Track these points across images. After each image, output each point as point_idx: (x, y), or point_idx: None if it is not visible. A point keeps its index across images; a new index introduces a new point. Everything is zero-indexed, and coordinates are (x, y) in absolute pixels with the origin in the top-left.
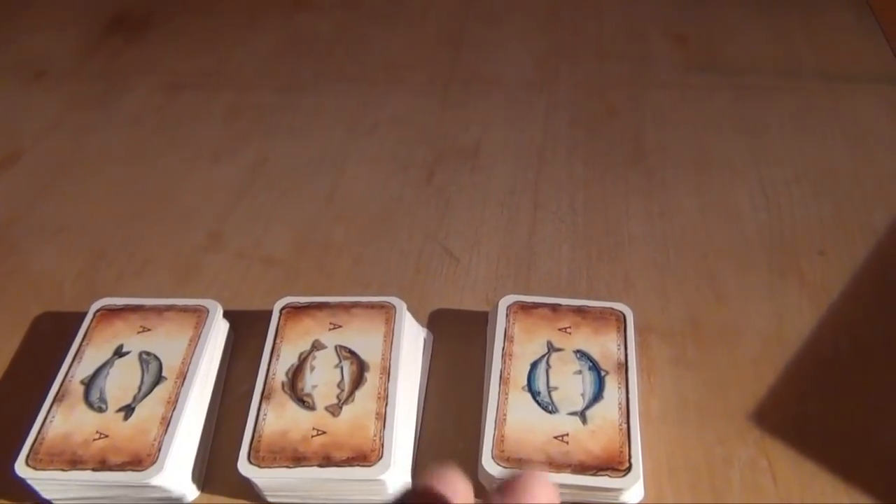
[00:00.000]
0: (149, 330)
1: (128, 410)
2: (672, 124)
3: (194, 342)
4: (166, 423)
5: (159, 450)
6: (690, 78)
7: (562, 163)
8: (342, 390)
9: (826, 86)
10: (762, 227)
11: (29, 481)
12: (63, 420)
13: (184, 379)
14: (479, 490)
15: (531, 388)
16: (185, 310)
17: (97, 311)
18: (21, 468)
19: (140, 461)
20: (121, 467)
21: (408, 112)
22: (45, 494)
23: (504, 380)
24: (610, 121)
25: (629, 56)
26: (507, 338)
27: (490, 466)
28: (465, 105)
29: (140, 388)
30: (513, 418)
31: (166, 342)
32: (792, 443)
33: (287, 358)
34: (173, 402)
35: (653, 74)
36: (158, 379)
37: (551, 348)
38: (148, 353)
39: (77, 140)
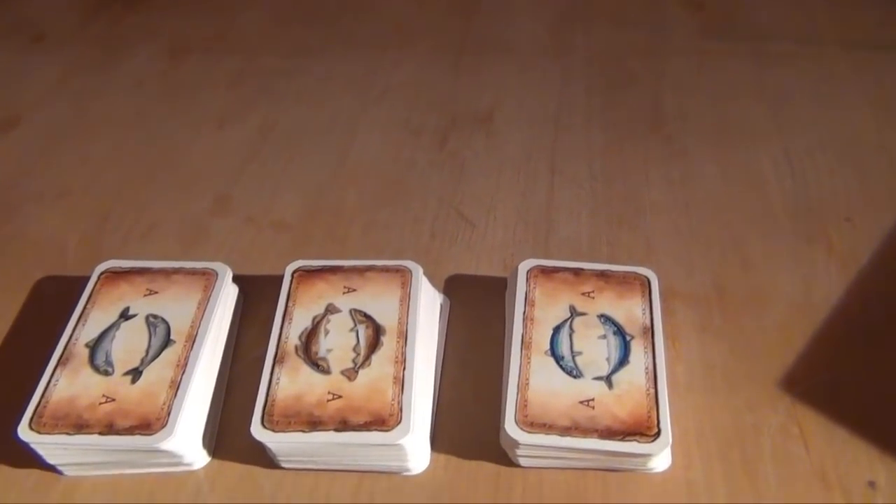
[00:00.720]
0: (156, 293)
1: (135, 374)
2: (691, 91)
3: (203, 305)
4: (176, 386)
5: (169, 413)
6: (708, 45)
7: (579, 129)
8: (358, 354)
9: (847, 53)
10: (787, 195)
11: (32, 445)
12: (68, 383)
13: (193, 342)
14: (499, 456)
15: (554, 352)
16: (192, 272)
17: (102, 273)
18: (24, 432)
19: (149, 425)
20: (129, 431)
21: (419, 78)
22: (50, 459)
23: (526, 344)
24: (627, 88)
25: (645, 22)
26: (528, 302)
27: (514, 431)
28: (478, 71)
29: (147, 352)
30: (536, 383)
31: (174, 305)
32: (824, 410)
33: (300, 321)
34: (182, 366)
35: (670, 41)
36: (166, 342)
37: (574, 312)
38: (155, 317)
39: (78, 104)
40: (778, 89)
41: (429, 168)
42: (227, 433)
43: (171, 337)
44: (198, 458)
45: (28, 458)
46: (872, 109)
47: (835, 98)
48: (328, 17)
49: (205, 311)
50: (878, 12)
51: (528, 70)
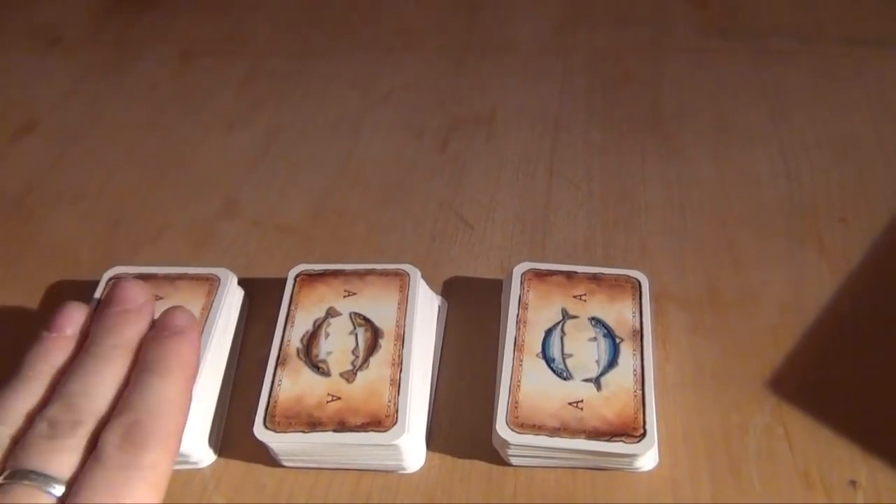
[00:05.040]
0: (161, 298)
1: None
2: (691, 90)
3: (206, 311)
4: None
5: None
6: (710, 42)
7: (578, 129)
8: (357, 357)
9: (849, 50)
10: (782, 194)
11: None
12: None
13: None
14: (492, 455)
15: (545, 354)
16: (196, 278)
17: (109, 279)
18: None
19: None
20: None
21: (422, 79)
22: None
23: (518, 346)
24: (628, 86)
25: (648, 20)
26: (522, 305)
27: (504, 432)
28: (481, 71)
29: None
30: (527, 384)
31: None
32: (809, 410)
33: (302, 325)
34: None
35: (672, 39)
36: None
37: (566, 315)
38: None
39: (92, 108)
40: (777, 87)
41: (430, 170)
42: (233, 432)
43: None
44: (204, 457)
45: None
46: (871, 108)
47: (834, 96)
48: (334, 18)
49: (207, 316)
50: (880, 9)
51: (530, 69)
